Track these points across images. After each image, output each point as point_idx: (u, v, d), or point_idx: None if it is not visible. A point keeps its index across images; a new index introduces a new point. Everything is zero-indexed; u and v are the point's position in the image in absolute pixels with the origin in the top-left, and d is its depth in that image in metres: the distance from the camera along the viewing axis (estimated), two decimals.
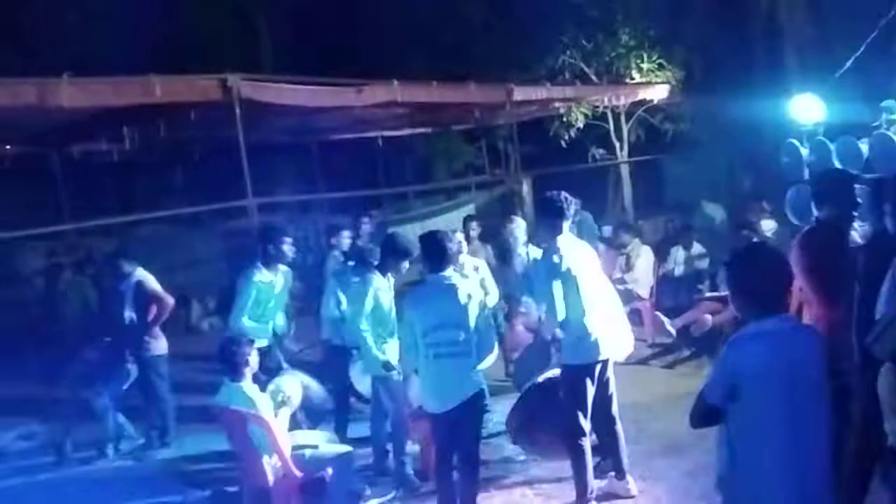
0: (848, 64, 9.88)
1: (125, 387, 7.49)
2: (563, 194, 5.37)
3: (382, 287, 6.02)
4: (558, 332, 5.27)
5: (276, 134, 12.69)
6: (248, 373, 5.21)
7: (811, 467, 3.07)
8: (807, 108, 9.05)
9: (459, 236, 7.41)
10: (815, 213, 4.86)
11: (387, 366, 5.90)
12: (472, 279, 6.97)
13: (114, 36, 15.69)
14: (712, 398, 3.16)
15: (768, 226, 9.35)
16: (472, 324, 4.94)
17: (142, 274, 7.40)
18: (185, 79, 7.85)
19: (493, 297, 7.30)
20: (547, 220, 5.46)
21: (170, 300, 7.39)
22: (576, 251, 5.33)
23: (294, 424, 5.50)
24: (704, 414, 3.22)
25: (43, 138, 10.00)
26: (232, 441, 5.29)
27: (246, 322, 6.23)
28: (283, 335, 6.83)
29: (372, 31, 16.25)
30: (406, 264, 6.08)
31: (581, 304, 5.18)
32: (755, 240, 8.05)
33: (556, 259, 5.21)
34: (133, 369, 7.42)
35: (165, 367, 7.42)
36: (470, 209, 14.16)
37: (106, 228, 10.75)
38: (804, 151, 9.02)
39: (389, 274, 6.08)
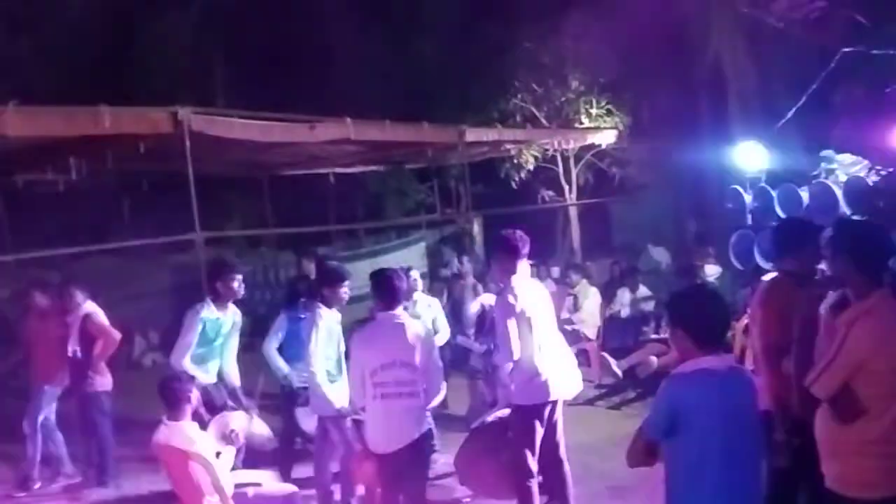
0: (789, 114, 10.20)
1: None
2: (518, 233, 5.42)
3: (331, 322, 5.95)
4: (508, 368, 5.29)
5: (227, 168, 12.60)
6: (189, 410, 5.11)
7: (743, 501, 3.15)
8: (750, 156, 9.30)
9: (415, 273, 7.42)
10: (776, 262, 4.82)
11: (341, 408, 5.79)
12: (425, 317, 6.99)
13: (65, 66, 15.52)
14: (652, 433, 3.24)
15: (712, 270, 9.54)
16: (420, 364, 4.91)
17: (90, 307, 7.25)
18: (136, 110, 7.77)
19: (444, 336, 7.30)
20: (502, 259, 5.48)
21: (117, 335, 7.25)
22: (530, 291, 5.36)
23: (237, 463, 5.39)
24: (643, 451, 3.29)
25: None
26: (172, 480, 5.17)
27: (187, 363, 6.06)
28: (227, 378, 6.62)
29: (326, 69, 16.31)
30: (345, 290, 6.00)
31: (533, 344, 5.22)
32: (698, 282, 8.22)
33: (510, 299, 5.24)
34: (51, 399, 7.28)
35: (108, 403, 7.24)
36: (421, 248, 14.19)
37: (49, 260, 10.51)
38: (747, 198, 9.26)
39: (335, 308, 6.01)
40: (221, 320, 6.27)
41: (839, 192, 8.00)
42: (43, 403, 7.29)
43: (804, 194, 8.49)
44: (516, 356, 5.19)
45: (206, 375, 6.18)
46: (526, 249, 5.39)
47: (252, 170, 13.31)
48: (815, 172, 8.60)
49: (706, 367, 3.18)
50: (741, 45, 12.48)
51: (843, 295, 3.70)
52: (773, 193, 8.83)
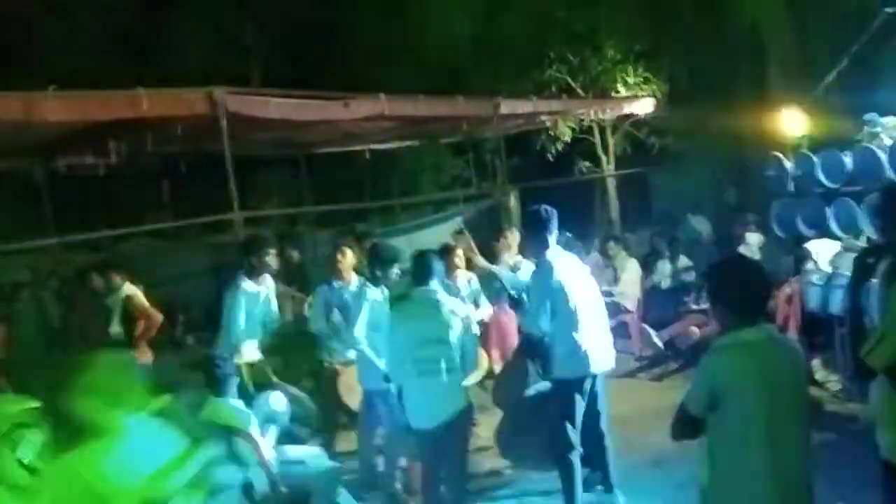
0: (830, 78, 9.97)
1: None
2: (546, 207, 5.40)
3: (378, 299, 5.99)
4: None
5: (263, 147, 12.67)
6: (233, 387, 5.18)
7: (790, 476, 3.11)
8: (791, 122, 9.13)
9: (459, 252, 7.42)
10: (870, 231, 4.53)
11: (387, 378, 5.83)
12: (465, 293, 7.00)
13: (100, 50, 15.67)
14: (693, 408, 3.19)
15: (754, 239, 9.40)
16: (456, 340, 4.92)
17: (130, 289, 7.35)
18: (172, 92, 7.82)
19: (485, 311, 7.31)
20: (534, 234, 5.47)
21: (158, 317, 7.35)
22: (565, 264, 5.34)
23: (281, 439, 5.46)
24: (685, 425, 3.25)
25: (28, 152, 9.94)
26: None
27: (236, 340, 6.16)
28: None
29: (359, 44, 16.27)
30: (396, 271, 6.04)
31: (572, 317, 5.20)
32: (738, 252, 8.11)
33: (545, 273, 5.22)
34: None
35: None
36: (457, 223, 14.16)
37: (91, 242, 10.70)
38: (788, 164, 9.10)
39: (383, 286, 6.05)
40: (259, 294, 6.34)
41: (884, 157, 7.83)
42: None
43: (847, 160, 8.33)
44: (546, 329, 5.18)
45: (249, 351, 6.26)
46: (555, 223, 5.37)
47: (289, 149, 13.37)
48: (858, 137, 8.42)
49: (746, 338, 3.13)
50: (780, 8, 12.21)
51: (894, 262, 3.60)
52: (815, 159, 8.67)
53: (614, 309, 9.18)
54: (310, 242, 13.19)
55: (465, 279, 7.34)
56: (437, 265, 5.18)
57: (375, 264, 6.02)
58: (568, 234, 6.55)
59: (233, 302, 6.23)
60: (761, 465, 3.06)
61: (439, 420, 4.89)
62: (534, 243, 5.48)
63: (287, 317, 7.55)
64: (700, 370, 3.21)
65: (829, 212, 8.37)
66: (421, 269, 5.12)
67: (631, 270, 9.90)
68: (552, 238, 5.38)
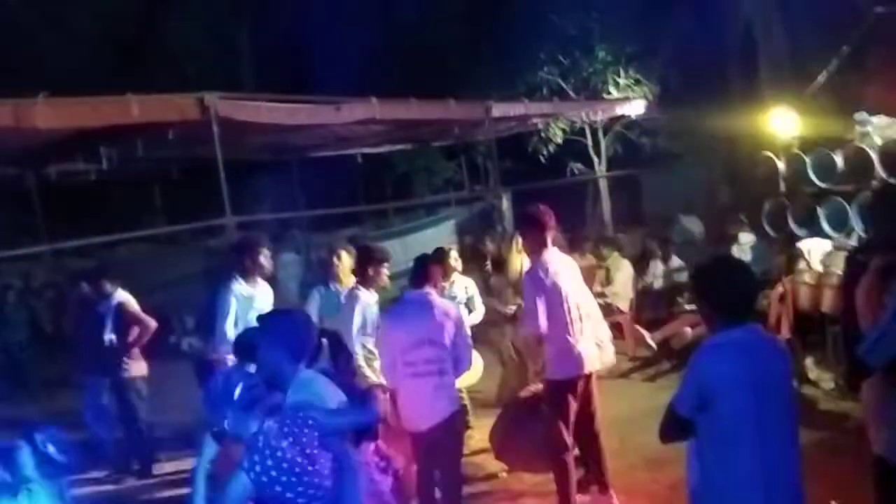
0: (821, 79, 10.01)
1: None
2: (543, 207, 5.40)
3: (370, 302, 5.98)
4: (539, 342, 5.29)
5: (255, 152, 12.66)
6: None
7: (779, 475, 3.12)
8: (782, 122, 9.16)
9: (454, 254, 7.41)
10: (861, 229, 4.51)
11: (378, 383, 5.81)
12: (461, 297, 7.00)
13: (91, 55, 15.65)
14: (683, 409, 3.19)
15: (746, 239, 9.42)
16: (449, 342, 4.92)
17: (123, 296, 7.32)
18: (162, 98, 7.79)
19: (479, 315, 7.31)
20: (530, 234, 5.48)
21: (152, 323, 7.31)
22: (561, 265, 5.34)
23: None
24: (675, 426, 3.25)
25: (19, 159, 9.91)
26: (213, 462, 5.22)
27: (231, 333, 6.09)
28: None
29: (351, 48, 16.29)
30: (386, 271, 6.03)
31: (565, 318, 5.20)
32: (728, 252, 8.13)
33: (541, 273, 5.22)
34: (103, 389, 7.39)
35: (144, 388, 7.34)
36: (450, 226, 14.19)
37: (83, 249, 10.66)
38: (780, 164, 9.12)
39: (373, 289, 6.03)
40: (253, 296, 6.24)
41: (874, 156, 7.86)
42: (99, 392, 7.41)
43: (838, 159, 8.36)
44: (543, 330, 5.18)
45: None
46: (553, 223, 5.38)
47: (281, 153, 13.37)
48: (849, 136, 8.45)
49: (734, 339, 3.13)
50: (772, 8, 12.26)
51: (890, 261, 3.59)
52: (807, 159, 8.70)
53: (607, 310, 9.18)
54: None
55: (462, 284, 7.34)
56: (433, 269, 5.18)
57: (367, 265, 6.00)
58: (561, 236, 6.56)
59: (224, 304, 6.13)
60: (750, 465, 3.06)
61: (433, 422, 4.89)
62: (531, 243, 5.48)
63: None
64: (688, 371, 3.22)
65: (820, 211, 8.39)
66: (416, 271, 5.13)
67: (624, 271, 9.91)
68: (550, 238, 5.38)
